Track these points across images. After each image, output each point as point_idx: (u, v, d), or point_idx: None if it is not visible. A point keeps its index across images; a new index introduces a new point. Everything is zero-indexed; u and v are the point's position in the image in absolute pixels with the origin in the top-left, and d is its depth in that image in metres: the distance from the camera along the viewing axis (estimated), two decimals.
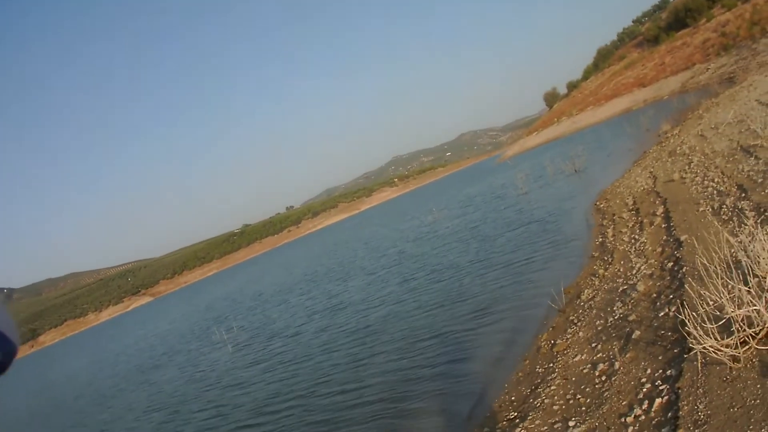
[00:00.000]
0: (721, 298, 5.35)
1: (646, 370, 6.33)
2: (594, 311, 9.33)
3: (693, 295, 6.11)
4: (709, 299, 5.56)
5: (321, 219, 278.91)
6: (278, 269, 66.03)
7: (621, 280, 10.12)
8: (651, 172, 18.28)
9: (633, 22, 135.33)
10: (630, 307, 8.50)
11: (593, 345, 7.95)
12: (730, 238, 6.25)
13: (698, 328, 5.32)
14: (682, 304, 6.98)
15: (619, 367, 6.76)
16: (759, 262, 5.94)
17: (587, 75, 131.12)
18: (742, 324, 5.24)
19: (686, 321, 5.47)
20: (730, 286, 5.43)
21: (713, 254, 6.11)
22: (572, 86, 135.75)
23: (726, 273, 5.65)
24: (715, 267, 5.59)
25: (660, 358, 6.40)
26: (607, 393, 6.39)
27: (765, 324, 5.21)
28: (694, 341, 5.40)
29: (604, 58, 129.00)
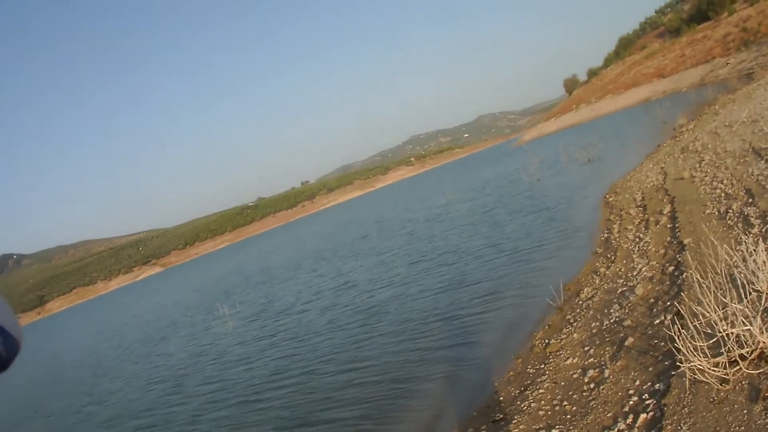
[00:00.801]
0: (713, 314, 5.17)
1: (635, 381, 6.17)
2: (591, 312, 9.16)
3: (686, 309, 5.92)
4: (701, 315, 5.38)
5: (336, 195, 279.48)
6: (289, 245, 66.20)
7: (621, 281, 9.93)
8: (662, 168, 18.02)
9: (656, 12, 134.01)
10: (627, 311, 8.33)
11: (586, 348, 7.79)
12: (729, 251, 6.04)
13: (688, 344, 5.15)
14: (677, 316, 6.81)
15: (609, 376, 6.60)
16: (757, 278, 5.74)
17: (608, 63, 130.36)
18: (733, 344, 5.06)
19: (675, 337, 5.30)
20: (724, 303, 5.24)
21: (710, 267, 5.92)
22: (592, 73, 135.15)
23: (722, 287, 5.47)
24: (710, 282, 5.40)
25: (650, 369, 6.23)
26: (593, 402, 6.24)
27: (757, 345, 5.02)
28: (682, 358, 5.23)
29: (625, 46, 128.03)
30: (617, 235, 13.31)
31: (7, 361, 1.46)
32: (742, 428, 4.40)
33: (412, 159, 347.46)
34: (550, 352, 8.38)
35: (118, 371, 22.58)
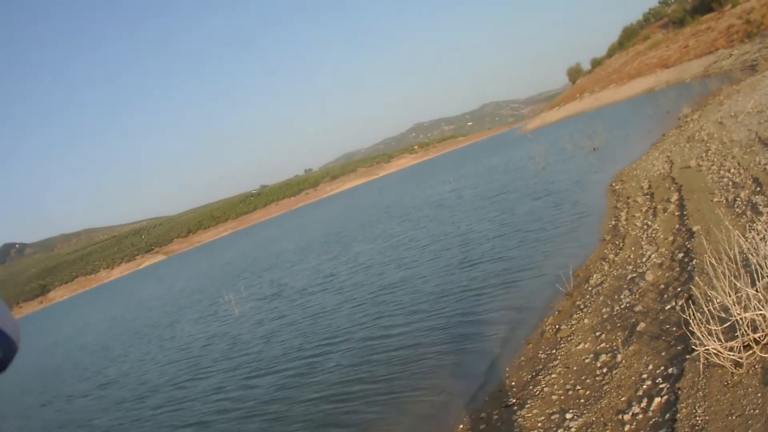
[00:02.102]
0: (726, 299, 5.25)
1: (648, 365, 6.26)
2: (601, 298, 9.23)
3: (699, 293, 5.99)
4: (714, 299, 5.46)
5: (339, 183, 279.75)
6: (295, 231, 66.34)
7: (630, 267, 10.00)
8: (668, 157, 18.05)
9: (659, 2, 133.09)
10: (637, 296, 8.41)
11: (597, 334, 7.87)
12: (741, 237, 6.11)
13: (702, 328, 5.23)
14: (689, 301, 6.89)
15: (621, 360, 6.69)
16: None
17: (611, 53, 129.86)
18: (747, 328, 5.14)
19: (690, 321, 5.37)
20: (737, 287, 5.32)
21: (722, 252, 5.99)
22: (596, 63, 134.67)
23: (735, 272, 5.54)
24: (724, 267, 5.48)
25: (663, 354, 6.32)
26: (607, 386, 6.33)
27: None
28: (697, 342, 5.32)
29: (629, 36, 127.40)
30: (625, 223, 13.36)
31: (4, 362, 1.43)
32: (757, 411, 4.49)
33: (416, 147, 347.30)
34: (561, 338, 8.45)
35: (128, 355, 22.73)
